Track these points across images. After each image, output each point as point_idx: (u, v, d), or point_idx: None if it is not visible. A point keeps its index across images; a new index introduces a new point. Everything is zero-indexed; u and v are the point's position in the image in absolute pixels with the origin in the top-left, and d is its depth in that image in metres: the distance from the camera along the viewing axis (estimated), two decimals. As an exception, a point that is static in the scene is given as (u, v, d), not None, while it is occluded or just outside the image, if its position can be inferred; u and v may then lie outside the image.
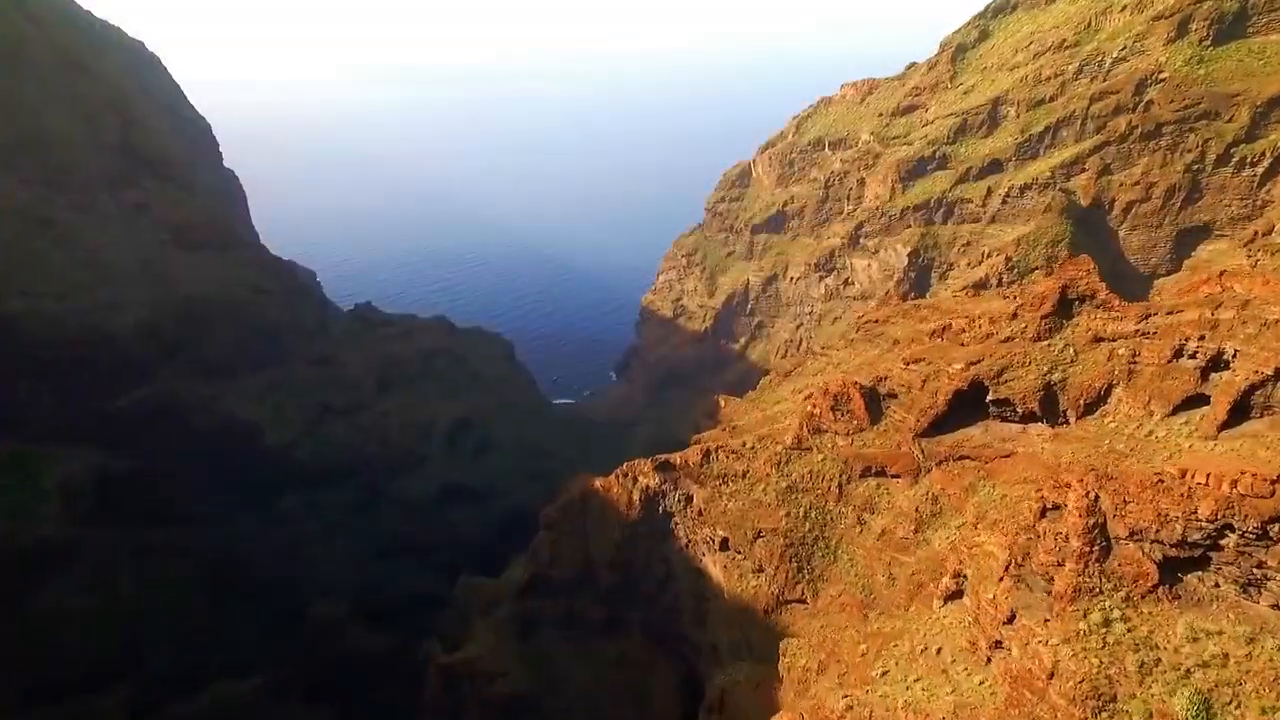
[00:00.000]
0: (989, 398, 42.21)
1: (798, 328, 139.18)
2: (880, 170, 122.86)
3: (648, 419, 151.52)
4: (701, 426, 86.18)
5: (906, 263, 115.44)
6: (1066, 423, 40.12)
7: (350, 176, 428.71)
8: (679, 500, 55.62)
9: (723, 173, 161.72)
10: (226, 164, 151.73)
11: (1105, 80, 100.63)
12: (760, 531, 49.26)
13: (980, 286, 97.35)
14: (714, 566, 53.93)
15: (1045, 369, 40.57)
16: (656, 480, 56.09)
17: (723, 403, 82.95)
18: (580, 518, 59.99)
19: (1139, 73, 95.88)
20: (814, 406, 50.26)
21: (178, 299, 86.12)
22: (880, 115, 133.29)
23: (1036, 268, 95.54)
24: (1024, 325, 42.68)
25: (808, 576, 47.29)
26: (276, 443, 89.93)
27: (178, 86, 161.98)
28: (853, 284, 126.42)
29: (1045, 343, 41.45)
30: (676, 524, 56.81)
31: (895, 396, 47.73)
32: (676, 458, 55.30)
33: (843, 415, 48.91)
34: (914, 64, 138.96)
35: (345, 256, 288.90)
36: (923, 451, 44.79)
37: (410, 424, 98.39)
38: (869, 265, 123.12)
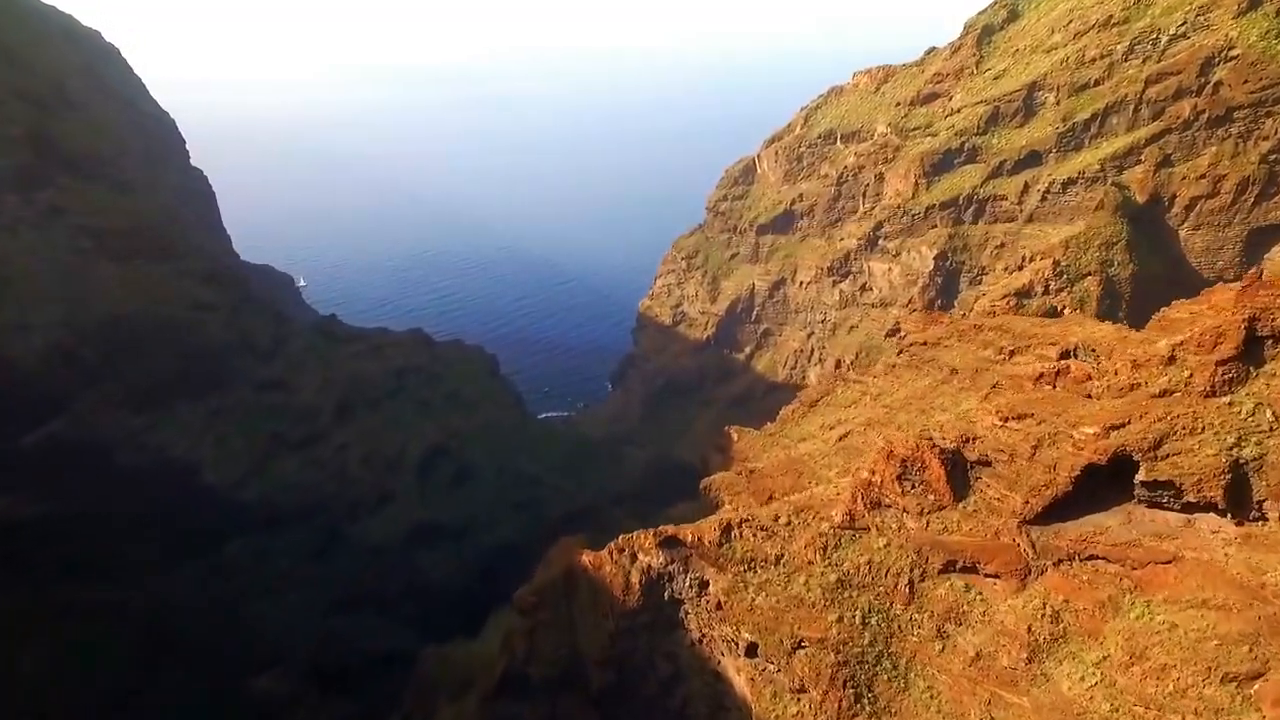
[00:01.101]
0: (1139, 477, 29.23)
1: (809, 336, 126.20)
2: (901, 165, 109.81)
3: (645, 435, 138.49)
4: (710, 463, 73.15)
5: (932, 266, 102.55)
6: (1263, 519, 27.19)
7: (340, 178, 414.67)
8: (690, 585, 42.53)
9: (724, 169, 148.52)
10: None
11: (1162, 60, 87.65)
12: (801, 641, 36.19)
13: (1023, 295, 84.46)
14: (737, 674, 40.90)
15: (1229, 440, 27.55)
16: (661, 559, 42.99)
17: (735, 435, 69.92)
18: (564, 602, 46.97)
19: (1204, 50, 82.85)
20: (874, 473, 37.17)
21: (99, 317, 72.80)
22: (898, 105, 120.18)
23: (1089, 273, 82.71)
24: (1187, 374, 29.59)
25: (869, 708, 34.22)
26: (218, 482, 76.74)
27: (139, 80, 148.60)
28: (871, 289, 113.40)
29: (1225, 400, 28.40)
30: (687, 614, 43.74)
31: (989, 465, 34.63)
32: (688, 533, 42.17)
33: (914, 487, 35.82)
34: (933, 49, 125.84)
35: (336, 261, 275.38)
36: (1033, 545, 31.76)
37: (375, 455, 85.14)
38: (889, 269, 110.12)
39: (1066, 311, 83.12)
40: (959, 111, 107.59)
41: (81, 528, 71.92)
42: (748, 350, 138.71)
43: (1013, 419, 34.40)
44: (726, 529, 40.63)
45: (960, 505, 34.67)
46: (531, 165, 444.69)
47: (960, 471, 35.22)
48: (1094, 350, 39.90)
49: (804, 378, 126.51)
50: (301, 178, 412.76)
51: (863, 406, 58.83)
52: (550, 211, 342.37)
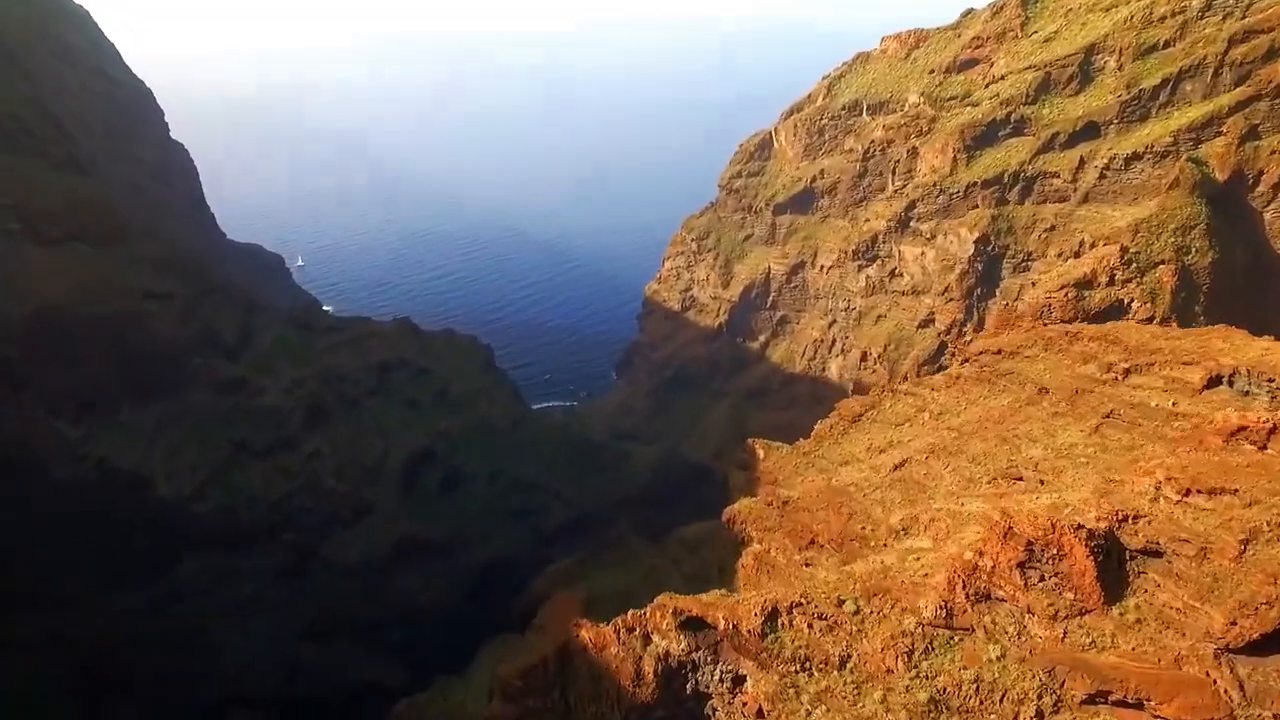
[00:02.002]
0: None
1: (830, 325, 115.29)
2: (939, 138, 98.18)
3: (652, 430, 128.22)
4: (732, 482, 62.79)
5: (972, 251, 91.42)
6: None
7: (339, 154, 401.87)
8: (721, 680, 32.23)
9: (739, 144, 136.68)
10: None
11: (1246, 16, 75.90)
12: (879, 783, 25.99)
13: (1084, 286, 73.58)
14: (783, 799, 30.76)
15: None
16: (682, 645, 32.62)
17: (761, 451, 59.47)
18: (558, 687, 36.81)
19: (1300, 4, 71.24)
20: (983, 554, 26.65)
21: (26, 311, 62.33)
22: (932, 72, 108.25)
23: (1162, 262, 71.65)
24: None
25: None
26: (171, 495, 66.74)
27: (111, 46, 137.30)
28: (901, 275, 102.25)
29: None
30: (715, 710, 33.53)
31: (1160, 556, 24.10)
32: (719, 615, 31.71)
33: (1044, 579, 25.35)
34: (970, 11, 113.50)
35: (334, 240, 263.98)
36: (1242, 686, 21.33)
37: (352, 463, 74.90)
38: (922, 254, 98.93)
39: (1135, 305, 72.22)
40: (1003, 79, 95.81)
41: (13, 550, 62.16)
42: (762, 339, 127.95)
43: (1199, 493, 23.76)
44: (771, 614, 30.22)
45: (1115, 611, 24.16)
46: (537, 141, 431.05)
47: (1114, 563, 24.65)
48: (1271, 379, 29.11)
49: (824, 370, 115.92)
50: (302, 153, 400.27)
51: (920, 426, 48.22)
52: (556, 190, 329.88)
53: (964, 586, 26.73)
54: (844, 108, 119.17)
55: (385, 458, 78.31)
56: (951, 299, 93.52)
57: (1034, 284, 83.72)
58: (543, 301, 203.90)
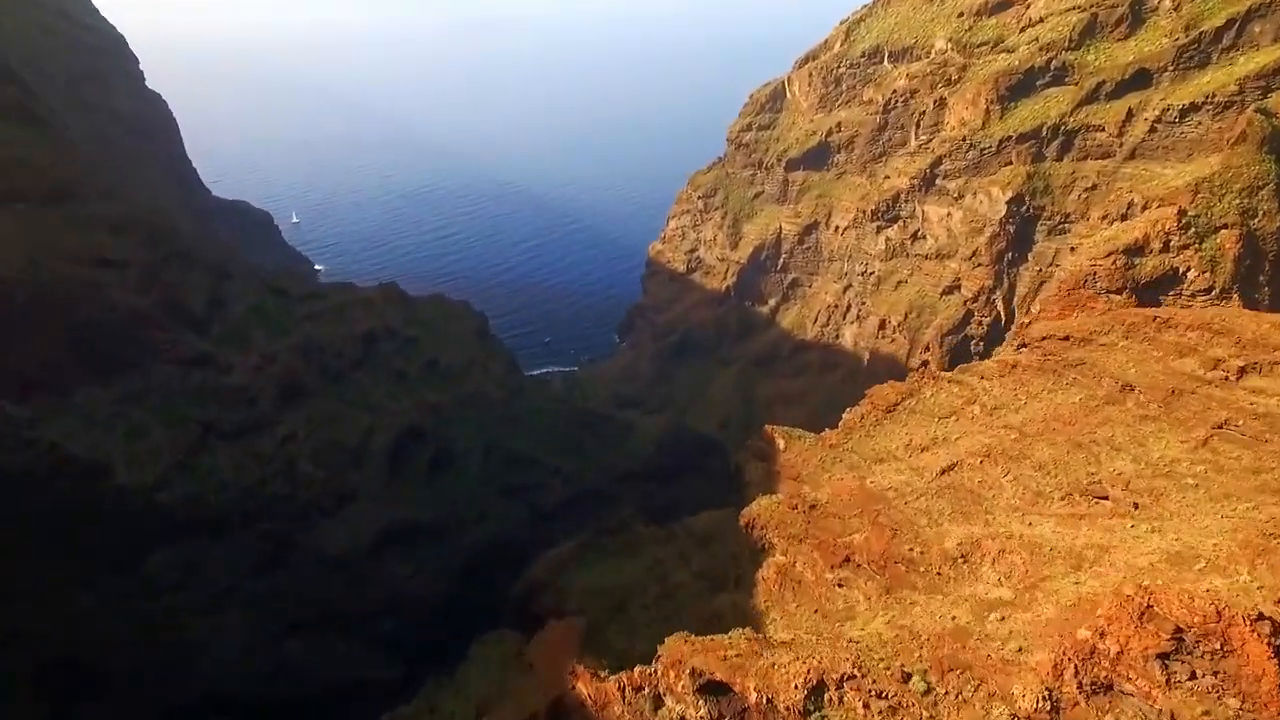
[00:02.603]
0: None
1: (845, 290, 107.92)
2: (969, 88, 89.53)
3: (656, 398, 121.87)
4: (748, 473, 56.30)
5: (1004, 211, 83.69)
6: None
7: (334, 107, 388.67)
8: (749, 755, 26.07)
9: (750, 94, 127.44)
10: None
11: (1327, -52, 67.06)
12: None
13: (1134, 252, 66.05)
14: None
15: None
16: (701, 713, 26.31)
17: (780, 441, 52.77)
18: (551, 749, 30.86)
19: (1394, -68, 62.38)
20: (1107, 637, 20.06)
21: (-41, 281, 55.30)
22: (961, 15, 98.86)
23: (1224, 226, 64.04)
24: None
25: None
26: (132, 483, 60.33)
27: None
28: (924, 238, 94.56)
29: None
30: (740, 785, 27.46)
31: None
32: (748, 685, 25.27)
33: (1197, 674, 18.84)
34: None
35: (328, 196, 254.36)
36: None
37: (332, 444, 68.49)
38: (948, 214, 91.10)
39: (1192, 275, 64.88)
40: (1042, 22, 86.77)
41: (-41, 544, 56.13)
42: (772, 303, 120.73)
43: None
44: (817, 688, 23.81)
45: (1301, 728, 17.68)
46: (539, 90, 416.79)
47: (1301, 663, 18.09)
48: None
49: (838, 337, 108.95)
50: (294, 106, 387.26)
51: (969, 422, 41.46)
52: (558, 143, 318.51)
53: (1077, 674, 20.24)
54: (863, 55, 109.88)
55: (369, 437, 71.87)
56: (980, 264, 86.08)
57: (1073, 249, 76.18)
58: (544, 261, 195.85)
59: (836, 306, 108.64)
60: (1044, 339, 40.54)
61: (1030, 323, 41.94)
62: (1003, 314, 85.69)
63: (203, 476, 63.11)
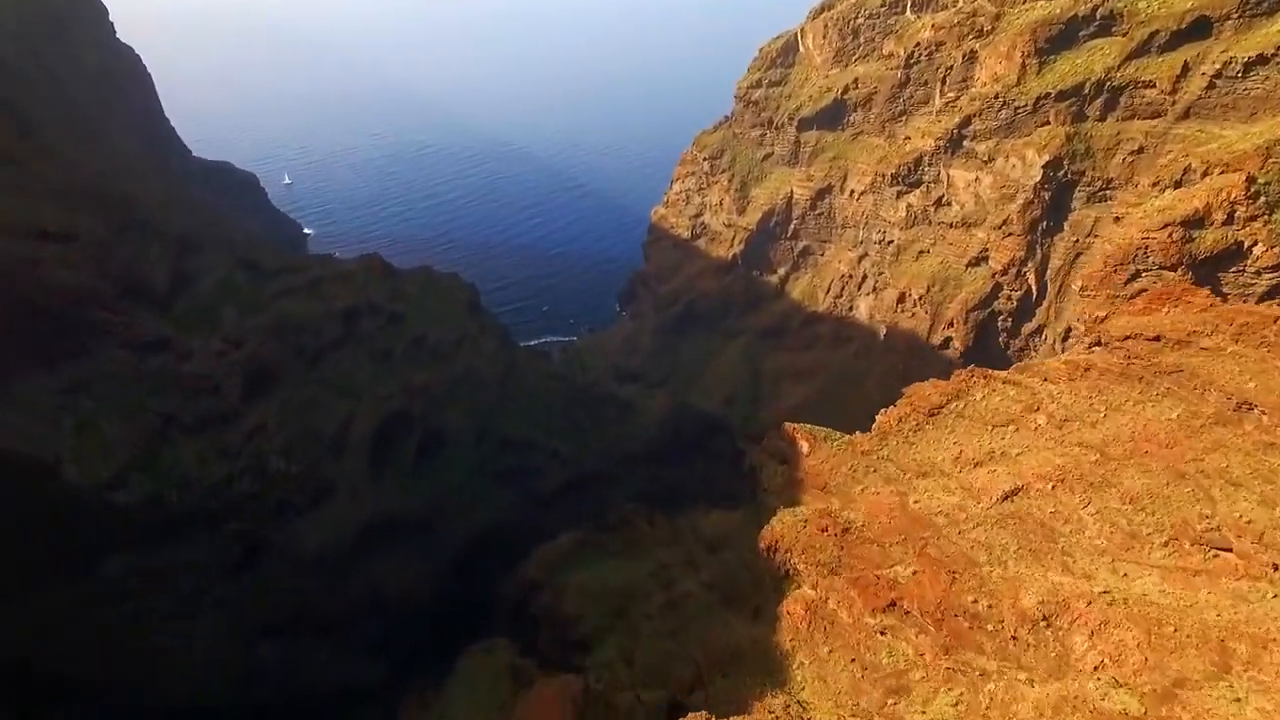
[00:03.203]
0: None
1: (860, 259, 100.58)
2: (1003, 40, 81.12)
3: (658, 372, 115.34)
4: (765, 474, 49.91)
5: (1039, 177, 76.12)
6: None
7: (327, 65, 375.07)
8: None
9: (759, 48, 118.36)
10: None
11: None
12: None
13: (1193, 224, 58.74)
14: None
15: None
16: None
17: (803, 442, 46.28)
18: None
19: None
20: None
21: (-127, 258, 48.40)
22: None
23: (1297, 194, 56.64)
24: None
25: None
26: (83, 481, 54.10)
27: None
28: (949, 204, 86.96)
29: None
30: None
31: None
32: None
33: None
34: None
35: (322, 157, 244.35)
36: None
37: (306, 437, 62.11)
38: (976, 179, 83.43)
39: (1259, 251, 57.73)
40: (1086, -36, 77.92)
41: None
42: (782, 272, 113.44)
43: None
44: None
45: None
46: (540, 46, 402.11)
47: None
48: None
49: (851, 309, 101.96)
50: (285, 61, 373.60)
51: (1033, 434, 34.91)
52: (559, 101, 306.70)
53: None
54: (883, 4, 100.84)
55: (349, 425, 65.57)
56: (1010, 233, 78.75)
57: (1118, 219, 68.88)
58: (545, 225, 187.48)
59: (851, 277, 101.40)
60: (1127, 338, 33.88)
61: (1107, 316, 35.09)
62: (1034, 288, 78.66)
63: (162, 474, 56.89)
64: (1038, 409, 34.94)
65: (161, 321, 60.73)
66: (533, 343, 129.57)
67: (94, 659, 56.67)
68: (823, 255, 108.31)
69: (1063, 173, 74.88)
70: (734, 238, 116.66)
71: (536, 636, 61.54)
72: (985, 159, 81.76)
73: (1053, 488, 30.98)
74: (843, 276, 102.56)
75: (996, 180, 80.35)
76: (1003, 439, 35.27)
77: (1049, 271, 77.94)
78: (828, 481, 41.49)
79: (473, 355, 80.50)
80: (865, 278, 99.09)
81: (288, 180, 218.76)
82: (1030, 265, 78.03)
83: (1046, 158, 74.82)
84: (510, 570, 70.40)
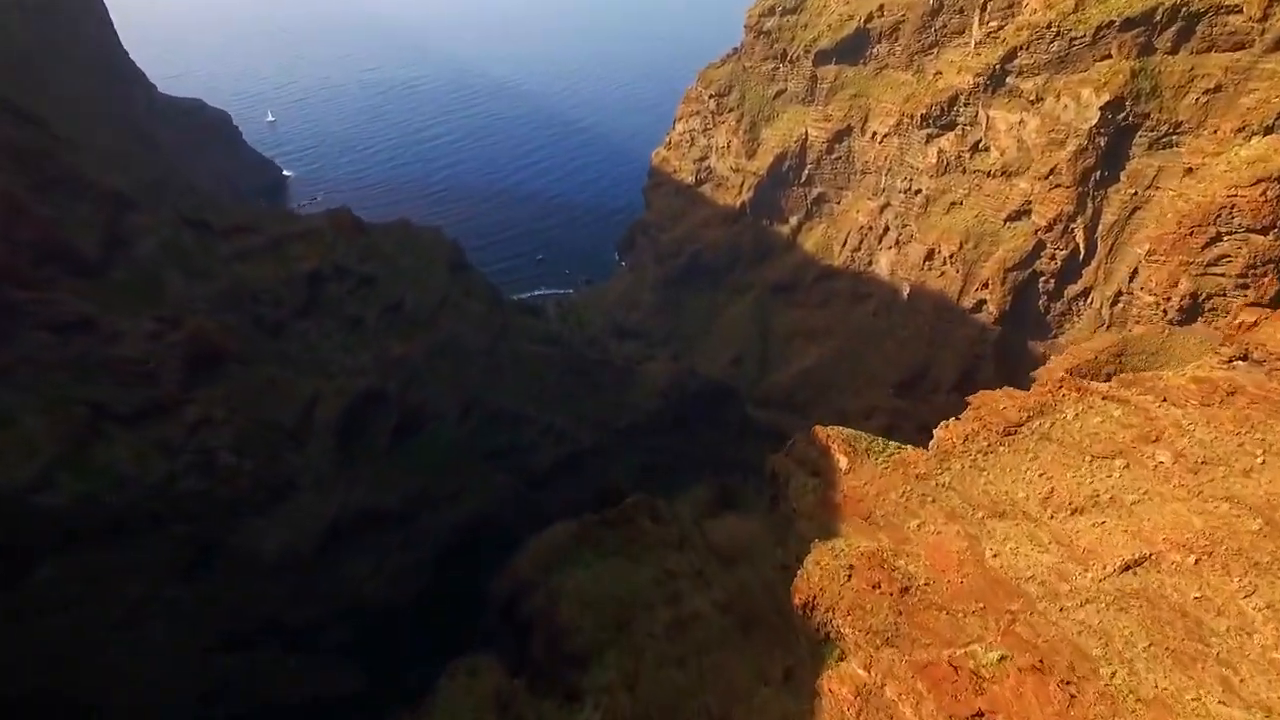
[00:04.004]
0: None
1: (882, 210, 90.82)
2: (1060, -44, 69.76)
3: (660, 331, 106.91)
4: (793, 486, 41.79)
5: (1096, 120, 66.03)
6: None
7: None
8: None
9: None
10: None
11: None
12: None
13: (1291, 178, 49.33)
14: None
15: None
16: None
17: (841, 457, 38.03)
18: None
19: None
20: None
21: None
22: None
23: None
24: None
25: None
26: (4, 483, 46.33)
27: None
28: (988, 150, 76.86)
29: None
30: None
31: None
32: None
33: None
34: None
35: (307, 93, 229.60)
36: None
37: (263, 425, 53.97)
38: (1020, 122, 73.19)
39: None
40: None
41: None
42: (794, 222, 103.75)
43: None
44: None
45: None
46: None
47: None
48: None
49: (871, 263, 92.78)
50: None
51: (1155, 476, 26.62)
52: (557, 35, 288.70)
53: None
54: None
55: (313, 407, 57.35)
56: (1059, 184, 69.10)
57: (1191, 170, 59.23)
58: (541, 167, 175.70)
59: (871, 228, 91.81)
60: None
61: (1256, 323, 26.43)
62: (1082, 247, 69.45)
63: (94, 473, 48.93)
64: (1157, 440, 26.69)
65: (89, 296, 51.93)
66: (525, 295, 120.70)
67: (35, 675, 49.89)
68: (839, 204, 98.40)
69: (1123, 115, 64.77)
70: (742, 183, 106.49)
71: (528, 643, 54.87)
72: (1032, 99, 71.37)
73: (1196, 562, 22.95)
74: (862, 228, 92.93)
75: (1044, 123, 70.16)
76: (1109, 478, 27.10)
77: (1099, 228, 68.60)
78: (873, 510, 33.48)
79: (456, 321, 71.84)
80: (887, 230, 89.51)
81: (271, 118, 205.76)
82: (1079, 221, 68.65)
83: (1106, 97, 64.59)
84: (501, 561, 63.39)
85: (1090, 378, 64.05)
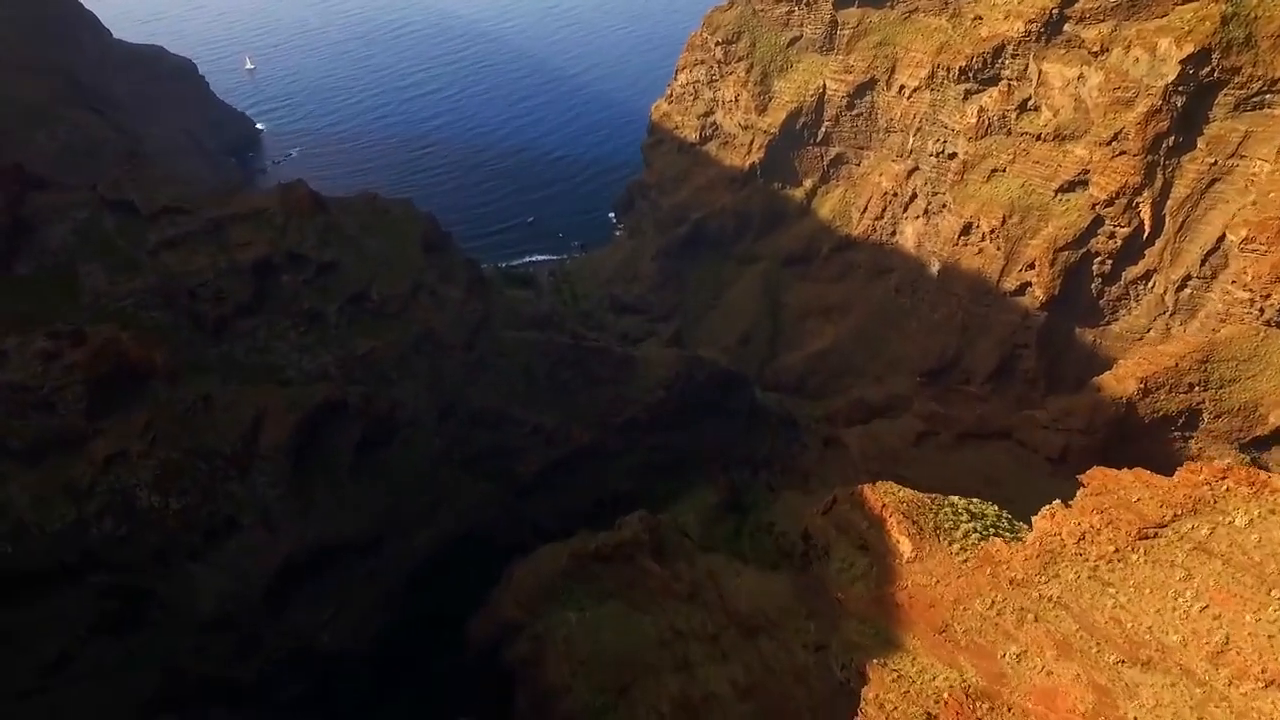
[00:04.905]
0: None
1: (910, 174, 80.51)
2: (1138, -124, 58.13)
3: (662, 305, 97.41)
4: (834, 588, 33.05)
5: (1175, 75, 55.47)
6: None
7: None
8: None
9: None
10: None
11: None
12: None
13: None
14: None
15: None
16: None
17: (903, 540, 29.45)
18: None
19: None
20: None
21: None
22: None
23: None
24: None
25: None
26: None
27: None
28: (1039, 110, 66.29)
29: None
30: None
31: None
32: None
33: None
34: None
35: (288, 39, 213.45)
36: None
37: (194, 455, 45.06)
38: (1079, 78, 62.56)
39: None
40: None
41: None
42: (809, 185, 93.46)
43: None
44: None
45: None
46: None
47: None
48: None
49: (894, 233, 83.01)
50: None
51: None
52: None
53: None
54: None
55: (259, 429, 48.35)
56: (1123, 151, 58.98)
57: (1295, 138, 49.16)
58: (535, 120, 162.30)
59: (895, 195, 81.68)
60: None
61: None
62: (1147, 225, 59.74)
63: (-12, 516, 40.41)
64: None
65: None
66: (515, 263, 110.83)
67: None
68: (860, 166, 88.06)
69: (1209, 70, 54.33)
70: (752, 142, 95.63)
71: (512, 697, 47.31)
72: (1095, 50, 60.64)
73: None
74: (885, 194, 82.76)
75: (1109, 79, 59.57)
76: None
77: (1169, 203, 58.78)
78: (950, 622, 24.96)
79: (431, 311, 62.36)
80: (914, 197, 79.41)
81: (250, 65, 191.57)
82: (1146, 194, 58.81)
83: (1189, 49, 54.06)
84: (483, 587, 55.60)
85: (1171, 390, 55.37)
